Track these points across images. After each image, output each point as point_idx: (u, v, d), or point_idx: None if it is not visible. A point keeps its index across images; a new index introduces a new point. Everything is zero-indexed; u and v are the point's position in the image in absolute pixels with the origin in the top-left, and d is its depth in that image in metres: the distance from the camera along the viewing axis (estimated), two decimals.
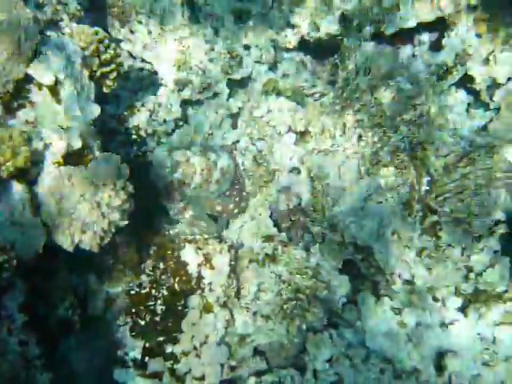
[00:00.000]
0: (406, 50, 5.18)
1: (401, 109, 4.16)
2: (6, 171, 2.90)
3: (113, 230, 3.30)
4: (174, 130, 4.90)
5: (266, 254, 3.93)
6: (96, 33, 3.87)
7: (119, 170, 3.43)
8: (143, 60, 5.10)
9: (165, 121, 4.82)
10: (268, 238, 4.06)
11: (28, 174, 3.11)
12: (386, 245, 3.96)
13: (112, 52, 3.93)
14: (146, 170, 4.47)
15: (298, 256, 3.94)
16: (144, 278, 4.03)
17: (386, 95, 4.21)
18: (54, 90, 3.61)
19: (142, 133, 4.69)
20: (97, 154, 3.56)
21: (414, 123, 4.17)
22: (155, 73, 5.06)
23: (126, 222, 3.40)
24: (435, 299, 4.23)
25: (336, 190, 4.08)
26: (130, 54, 5.18)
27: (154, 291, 3.90)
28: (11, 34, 3.39)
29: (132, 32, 5.08)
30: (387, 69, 4.40)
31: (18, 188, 3.00)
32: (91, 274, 4.17)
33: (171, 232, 4.27)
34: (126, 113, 4.66)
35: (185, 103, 5.07)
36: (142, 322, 3.91)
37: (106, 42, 3.90)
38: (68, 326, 3.94)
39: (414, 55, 5.37)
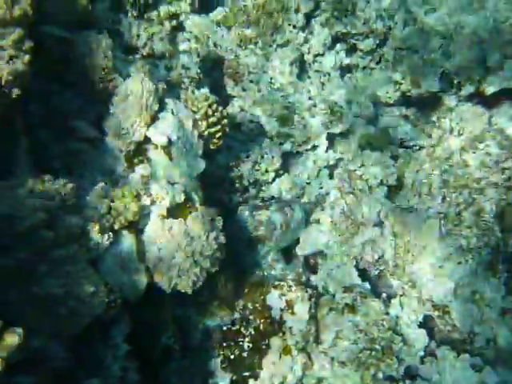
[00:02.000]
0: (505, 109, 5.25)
1: (488, 171, 4.28)
2: (119, 223, 3.52)
3: (204, 275, 3.80)
4: (274, 180, 5.36)
5: (346, 304, 4.23)
6: (206, 98, 4.46)
7: (214, 222, 3.94)
8: (252, 115, 5.64)
9: (266, 171, 5.29)
10: (348, 289, 4.36)
11: (137, 225, 3.71)
12: (464, 304, 4.08)
13: (219, 115, 4.49)
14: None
15: (377, 307, 4.19)
16: (236, 315, 4.49)
17: (473, 157, 4.35)
18: (167, 148, 4.23)
19: (245, 182, 5.20)
20: (197, 206, 4.10)
21: (501, 186, 4.27)
22: (261, 126, 5.56)
23: (217, 269, 3.89)
24: None
25: (416, 248, 4.29)
26: (242, 109, 5.75)
27: (243, 329, 4.35)
28: (137, 103, 4.06)
29: (244, 90, 5.65)
30: (478, 132, 4.53)
31: (127, 238, 3.61)
32: (192, 308, 4.70)
33: (259, 274, 4.72)
34: (232, 163, 5.19)
35: (286, 155, 5.52)
36: (232, 356, 4.36)
37: (215, 106, 4.47)
38: (170, 352, 4.50)
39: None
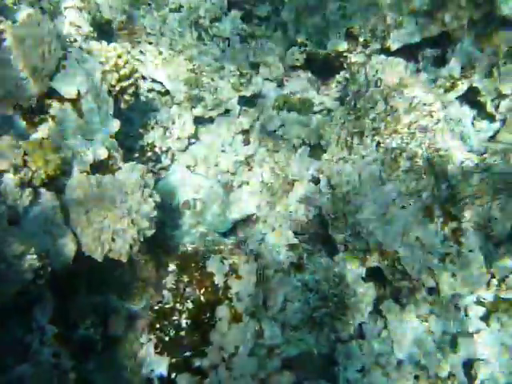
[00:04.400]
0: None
1: (418, 116, 4.18)
2: (39, 179, 2.86)
3: (141, 239, 3.25)
4: (187, 148, 4.88)
5: (292, 263, 3.88)
6: (114, 48, 3.88)
7: (145, 178, 3.39)
8: (154, 80, 5.11)
9: (178, 138, 4.80)
10: (292, 247, 4.03)
11: (57, 182, 3.06)
12: (412, 250, 3.92)
13: (130, 66, 3.94)
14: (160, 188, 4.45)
15: (324, 263, 3.89)
16: (166, 293, 3.96)
17: (402, 103, 4.23)
18: (76, 104, 3.60)
19: (157, 149, 4.66)
20: (121, 164, 3.52)
21: (430, 129, 4.19)
22: (167, 92, 5.06)
23: (154, 231, 3.35)
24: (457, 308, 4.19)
25: (358, 197, 4.07)
26: (141, 76, 5.19)
27: (178, 305, 3.81)
28: (36, 49, 3.39)
29: (142, 53, 5.11)
30: (398, 80, 4.44)
31: (48, 196, 2.95)
32: (111, 292, 4.07)
33: (188, 247, 4.22)
34: (140, 130, 4.63)
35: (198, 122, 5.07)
36: (167, 338, 3.82)
37: (125, 57, 3.91)
38: (89, 346, 3.85)
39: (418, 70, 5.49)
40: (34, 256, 2.50)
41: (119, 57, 3.87)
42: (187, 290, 3.77)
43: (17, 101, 3.40)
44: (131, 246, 3.16)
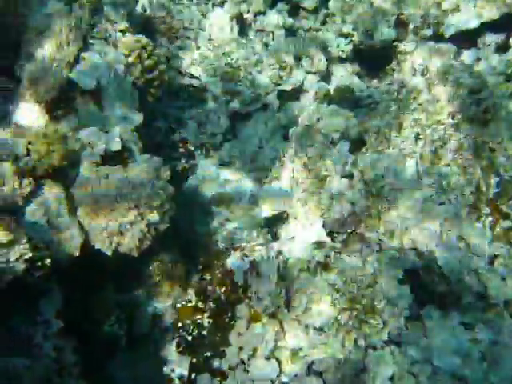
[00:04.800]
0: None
1: (462, 105, 3.83)
2: (41, 169, 2.81)
3: (153, 233, 3.13)
4: (222, 144, 4.75)
5: (318, 262, 3.64)
6: (138, 40, 3.82)
7: (159, 171, 3.29)
8: (192, 76, 5.03)
9: (213, 134, 4.68)
10: (319, 245, 3.78)
11: (66, 174, 3.00)
12: (451, 250, 3.58)
13: (155, 58, 3.86)
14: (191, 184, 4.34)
15: (353, 262, 3.63)
16: (190, 291, 3.84)
17: (445, 90, 3.90)
18: (96, 95, 3.56)
19: (190, 146, 4.56)
20: (137, 157, 3.44)
21: (477, 119, 3.83)
22: (204, 88, 4.96)
23: (167, 225, 3.23)
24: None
25: (392, 192, 3.77)
26: (179, 72, 5.14)
27: (200, 304, 3.68)
28: (55, 39, 3.38)
29: (181, 48, 5.04)
30: (446, 67, 4.10)
31: (53, 188, 2.90)
32: (139, 289, 4.00)
33: (217, 243, 4.09)
34: (174, 126, 4.55)
35: (234, 116, 4.94)
36: (189, 338, 3.69)
37: (150, 48, 3.84)
38: (115, 342, 3.78)
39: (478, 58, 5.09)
40: (27, 245, 2.43)
41: (143, 48, 3.79)
42: (209, 288, 3.63)
43: (38, 92, 3.40)
44: (141, 241, 3.04)
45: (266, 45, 5.46)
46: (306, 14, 5.90)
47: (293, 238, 4.03)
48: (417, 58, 4.49)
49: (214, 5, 5.44)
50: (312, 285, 3.53)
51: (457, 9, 4.87)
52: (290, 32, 5.75)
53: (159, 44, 5.10)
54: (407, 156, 3.82)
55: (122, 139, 3.41)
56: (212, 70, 4.89)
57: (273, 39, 5.51)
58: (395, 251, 3.67)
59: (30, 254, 2.45)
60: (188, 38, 5.01)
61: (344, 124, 4.39)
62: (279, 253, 3.63)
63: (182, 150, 4.55)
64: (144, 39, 3.84)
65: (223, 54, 4.98)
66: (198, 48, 4.99)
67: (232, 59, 4.95)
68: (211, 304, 3.61)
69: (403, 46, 5.04)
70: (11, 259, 2.35)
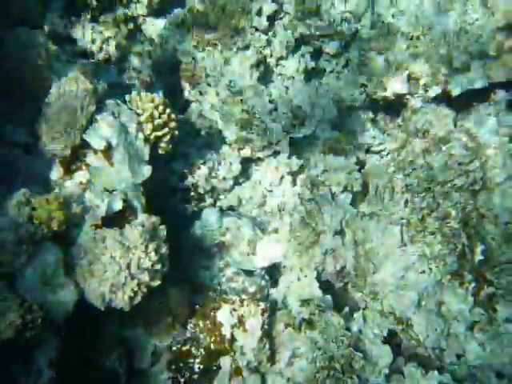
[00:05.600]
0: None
1: (453, 174, 4.00)
2: (41, 234, 3.18)
3: (144, 291, 3.46)
4: (232, 188, 5.05)
5: (303, 319, 3.90)
6: (152, 100, 4.15)
7: (156, 232, 3.61)
8: (211, 120, 5.34)
9: (224, 178, 4.98)
10: (305, 302, 4.04)
11: (66, 236, 3.37)
12: (428, 317, 3.77)
13: (166, 117, 4.18)
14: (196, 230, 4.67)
15: (335, 322, 3.86)
16: (188, 334, 4.15)
17: (437, 160, 4.07)
18: (108, 153, 3.91)
19: (201, 190, 4.88)
20: (139, 215, 3.78)
21: (467, 190, 3.99)
22: (220, 131, 5.26)
23: (159, 283, 3.55)
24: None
25: (378, 256, 3.99)
26: (200, 114, 5.46)
27: (193, 349, 4.00)
28: (71, 105, 3.75)
29: (201, 93, 5.36)
30: (443, 133, 4.26)
31: (51, 250, 3.27)
32: (141, 326, 4.33)
33: (214, 288, 4.40)
34: (186, 170, 4.88)
35: (246, 162, 5.22)
36: (182, 380, 4.01)
37: (162, 108, 4.16)
38: (115, 378, 4.12)
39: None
40: (17, 313, 2.79)
41: (156, 108, 4.12)
42: (201, 335, 3.94)
43: (52, 152, 3.79)
44: (131, 299, 3.39)
45: (287, 88, 5.71)
46: (329, 57, 6.10)
47: (287, 287, 4.28)
48: (420, 117, 4.65)
49: (238, 49, 5.70)
50: (296, 340, 3.78)
51: (467, 68, 4.98)
52: (312, 75, 5.97)
53: (183, 87, 5.44)
54: (393, 222, 4.02)
55: (126, 197, 3.75)
56: (228, 115, 5.18)
57: (292, 83, 5.74)
58: (378, 312, 3.88)
59: (20, 321, 2.81)
60: (209, 84, 5.30)
61: (348, 178, 4.60)
62: (264, 310, 3.88)
63: (193, 193, 4.86)
64: (157, 98, 4.16)
65: (241, 100, 5.26)
66: (218, 94, 5.29)
67: (248, 106, 5.22)
68: (202, 351, 3.92)
69: (413, 101, 5.17)
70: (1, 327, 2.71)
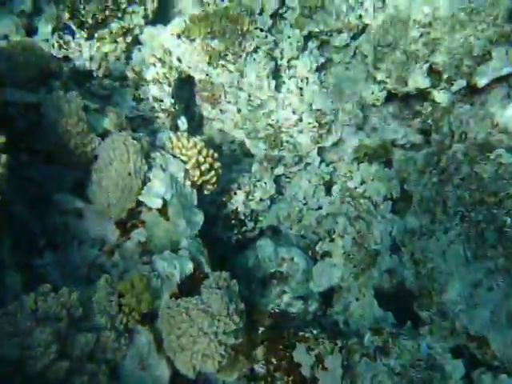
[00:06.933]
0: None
1: (505, 184, 4.03)
2: (133, 320, 3.12)
3: (230, 352, 3.47)
4: (270, 207, 5.00)
5: (377, 347, 3.97)
6: (195, 145, 4.02)
7: (230, 288, 3.58)
8: (234, 137, 5.23)
9: (261, 200, 4.93)
10: (377, 331, 4.10)
11: (149, 315, 3.32)
12: (503, 333, 3.87)
13: (211, 160, 4.07)
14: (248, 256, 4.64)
15: (410, 346, 3.95)
16: (257, 368, 4.17)
17: (486, 170, 4.09)
18: (163, 208, 3.81)
19: (241, 215, 4.83)
20: (207, 270, 3.73)
21: None
22: (247, 150, 5.17)
23: (241, 340, 3.55)
24: None
25: (442, 276, 4.05)
26: (221, 131, 5.33)
27: None
28: (123, 169, 3.60)
29: (222, 111, 5.21)
30: (483, 136, 4.27)
31: (143, 333, 3.21)
32: None
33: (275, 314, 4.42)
34: (224, 198, 4.80)
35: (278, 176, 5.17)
36: None
37: (205, 151, 4.05)
38: None
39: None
40: None
41: (199, 153, 4.00)
42: (276, 374, 3.97)
43: (110, 217, 3.67)
44: (220, 363, 3.39)
45: (301, 89, 5.58)
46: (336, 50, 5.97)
47: (346, 309, 4.33)
48: (454, 120, 4.64)
49: (247, 54, 5.51)
50: (373, 369, 3.86)
51: (489, 56, 4.94)
52: (321, 70, 5.85)
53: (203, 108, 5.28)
54: (454, 239, 4.06)
55: (191, 255, 3.69)
56: (254, 132, 5.07)
57: (306, 84, 5.62)
58: (448, 330, 3.97)
59: None
60: (229, 102, 5.15)
61: (387, 186, 4.60)
62: (341, 348, 3.93)
63: (233, 221, 4.81)
64: (199, 143, 4.03)
65: (263, 114, 5.14)
66: (239, 111, 5.15)
67: (273, 120, 5.12)
68: None
69: (437, 95, 5.13)
70: None
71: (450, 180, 4.29)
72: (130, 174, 3.58)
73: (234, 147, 5.41)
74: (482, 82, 5.00)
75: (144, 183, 3.71)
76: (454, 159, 4.38)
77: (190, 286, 3.59)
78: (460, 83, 5.08)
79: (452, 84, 5.09)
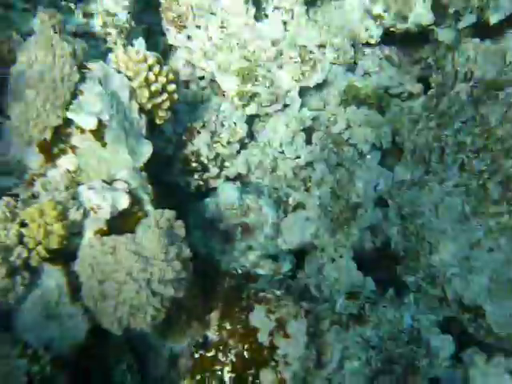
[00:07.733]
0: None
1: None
2: (38, 257, 2.41)
3: (168, 305, 2.78)
4: (239, 152, 4.29)
5: (351, 314, 3.31)
6: (145, 59, 3.29)
7: (173, 230, 2.89)
8: (203, 69, 4.49)
9: (229, 142, 4.21)
10: (352, 296, 3.43)
11: (64, 252, 2.62)
12: (502, 304, 3.20)
13: (164, 79, 3.35)
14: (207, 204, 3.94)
15: (390, 315, 3.29)
16: (210, 334, 3.53)
17: (495, 111, 3.40)
18: (99, 132, 3.09)
19: (203, 159, 4.12)
20: (148, 208, 3.03)
21: None
22: (217, 84, 4.44)
23: (183, 293, 2.87)
24: None
25: (434, 233, 3.37)
26: (189, 63, 4.59)
27: (220, 355, 3.38)
28: (45, 77, 2.88)
29: (190, 38, 4.47)
30: (494, 74, 3.57)
31: (52, 274, 2.52)
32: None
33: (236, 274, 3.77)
34: (184, 137, 4.09)
35: (251, 118, 4.45)
36: None
37: (157, 68, 3.32)
38: None
39: None
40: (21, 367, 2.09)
41: (150, 69, 3.27)
42: (230, 341, 3.32)
43: (30, 136, 2.95)
44: (154, 318, 2.70)
45: (285, 23, 4.83)
46: None
47: (320, 271, 3.66)
48: (459, 57, 3.93)
49: None
50: (345, 340, 3.20)
51: None
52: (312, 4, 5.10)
53: (166, 31, 4.53)
54: (450, 191, 3.37)
55: (130, 187, 2.99)
56: (226, 64, 4.34)
57: (292, 17, 4.86)
58: (437, 299, 3.31)
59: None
60: (198, 26, 4.40)
61: (375, 134, 3.91)
62: (307, 311, 3.26)
63: (194, 164, 4.10)
64: (150, 58, 3.31)
65: (237, 44, 4.40)
66: (210, 38, 4.41)
67: (248, 51, 4.38)
68: (233, 358, 3.31)
69: (441, 33, 4.42)
70: None
71: (450, 124, 3.59)
72: (54, 81, 2.85)
73: (204, 85, 4.67)
74: (495, 17, 4.29)
75: (74, 96, 2.97)
76: (456, 100, 3.68)
77: (122, 226, 2.89)
78: (469, 19, 4.37)
79: (459, 19, 4.37)
